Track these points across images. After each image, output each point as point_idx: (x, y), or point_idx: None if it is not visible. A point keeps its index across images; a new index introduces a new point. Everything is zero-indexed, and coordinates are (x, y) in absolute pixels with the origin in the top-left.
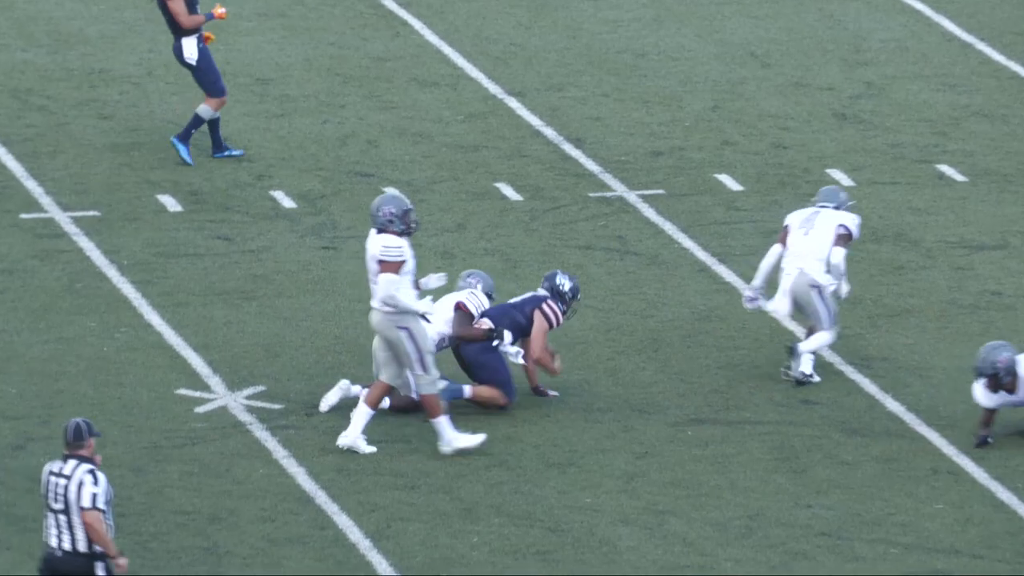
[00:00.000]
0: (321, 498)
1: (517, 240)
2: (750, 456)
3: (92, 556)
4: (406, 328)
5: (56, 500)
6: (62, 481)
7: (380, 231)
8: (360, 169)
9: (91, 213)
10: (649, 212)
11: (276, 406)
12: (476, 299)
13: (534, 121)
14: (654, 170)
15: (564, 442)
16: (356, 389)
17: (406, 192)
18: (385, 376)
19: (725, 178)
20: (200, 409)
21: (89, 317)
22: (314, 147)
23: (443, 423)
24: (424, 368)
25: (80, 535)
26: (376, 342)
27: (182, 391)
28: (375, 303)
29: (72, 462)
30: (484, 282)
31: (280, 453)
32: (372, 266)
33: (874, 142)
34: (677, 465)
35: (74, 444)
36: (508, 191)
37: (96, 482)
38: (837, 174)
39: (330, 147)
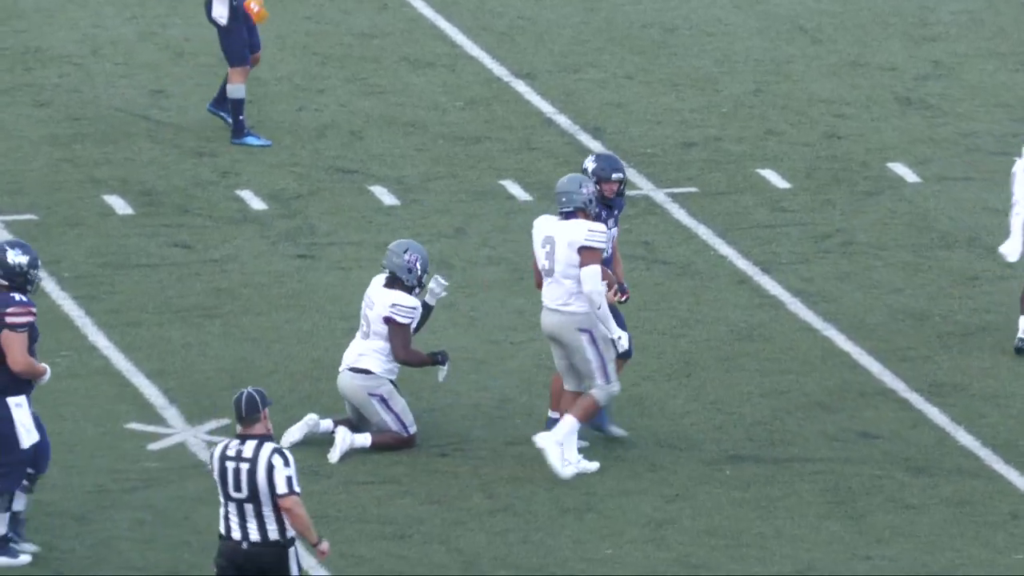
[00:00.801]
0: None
1: (526, 247)
2: (799, 499)
3: (285, 545)
4: (588, 331)
5: (238, 488)
6: (244, 466)
7: (568, 216)
8: (342, 164)
9: (26, 217)
10: (680, 214)
11: None
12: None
13: (545, 108)
14: (686, 164)
15: (580, 483)
16: (327, 424)
17: (396, 191)
18: (569, 386)
19: (769, 174)
20: (154, 446)
21: None
22: (288, 139)
23: (574, 434)
24: (606, 377)
25: (271, 524)
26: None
27: (133, 425)
28: (555, 302)
29: (251, 443)
30: (422, 258)
31: None
32: (564, 255)
33: (943, 131)
34: (714, 510)
35: (248, 420)
36: (515, 189)
37: (287, 463)
38: (900, 168)
39: (306, 139)
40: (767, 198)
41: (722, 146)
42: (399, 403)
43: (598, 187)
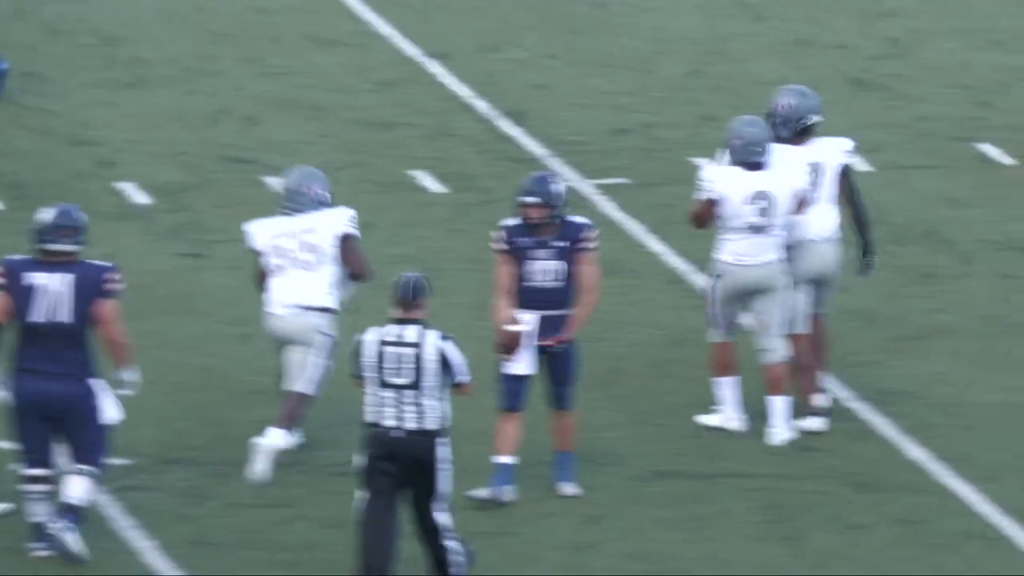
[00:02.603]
0: None
1: (439, 243)
2: (732, 519)
3: (437, 433)
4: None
5: (400, 374)
6: (408, 351)
7: (760, 166)
8: (235, 153)
9: None
10: (609, 207)
11: (119, 461)
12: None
13: (462, 91)
14: (616, 153)
15: (493, 505)
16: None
17: None
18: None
19: (706, 163)
20: (17, 465)
21: None
22: (175, 126)
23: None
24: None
25: (429, 412)
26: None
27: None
28: (759, 257)
29: (412, 327)
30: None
31: (123, 522)
32: (787, 207)
33: (898, 115)
34: (639, 531)
35: (412, 304)
36: (428, 181)
37: (458, 347)
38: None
39: (196, 125)
40: None
41: (655, 133)
42: None
43: (521, 210)
